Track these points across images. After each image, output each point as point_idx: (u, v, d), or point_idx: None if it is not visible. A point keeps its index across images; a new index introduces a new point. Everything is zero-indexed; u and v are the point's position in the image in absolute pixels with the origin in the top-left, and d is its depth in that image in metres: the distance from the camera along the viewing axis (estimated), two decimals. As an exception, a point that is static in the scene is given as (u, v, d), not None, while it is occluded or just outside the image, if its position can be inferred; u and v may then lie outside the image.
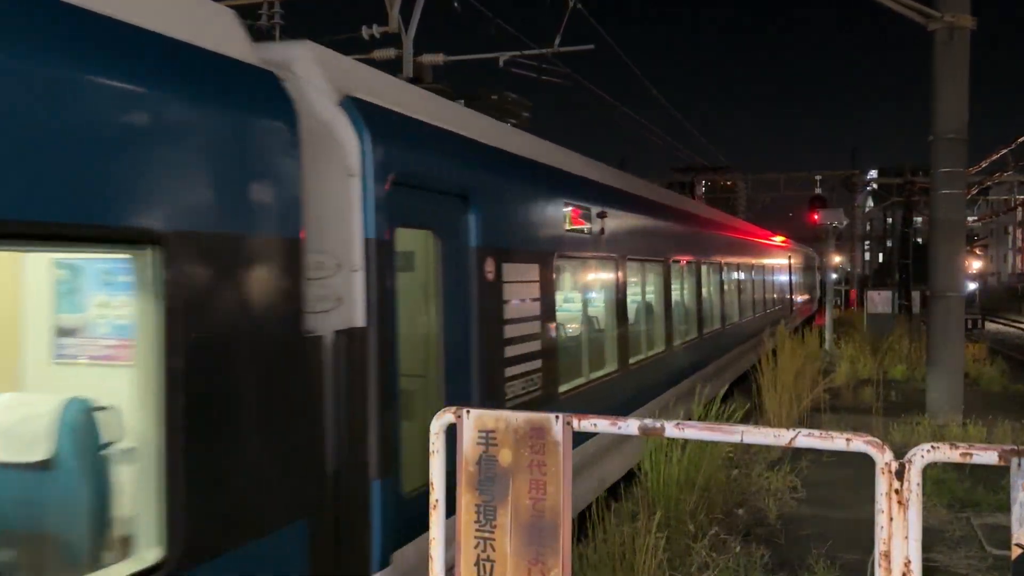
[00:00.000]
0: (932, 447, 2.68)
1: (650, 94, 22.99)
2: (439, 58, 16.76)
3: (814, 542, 6.51)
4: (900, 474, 2.68)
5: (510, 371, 5.66)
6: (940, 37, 11.73)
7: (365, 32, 15.66)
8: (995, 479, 7.88)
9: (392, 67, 14.57)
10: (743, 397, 13.55)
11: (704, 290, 13.42)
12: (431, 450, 3.16)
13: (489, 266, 5.44)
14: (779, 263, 24.60)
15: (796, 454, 9.04)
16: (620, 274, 8.71)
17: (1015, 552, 2.59)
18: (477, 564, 3.06)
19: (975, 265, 60.83)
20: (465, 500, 3.08)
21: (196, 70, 3.35)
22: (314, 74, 4.16)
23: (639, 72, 20.46)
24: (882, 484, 2.70)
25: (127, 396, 3.27)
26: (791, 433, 2.83)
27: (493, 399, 5.38)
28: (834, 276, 27.15)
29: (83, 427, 3.38)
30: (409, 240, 4.75)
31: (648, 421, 3.00)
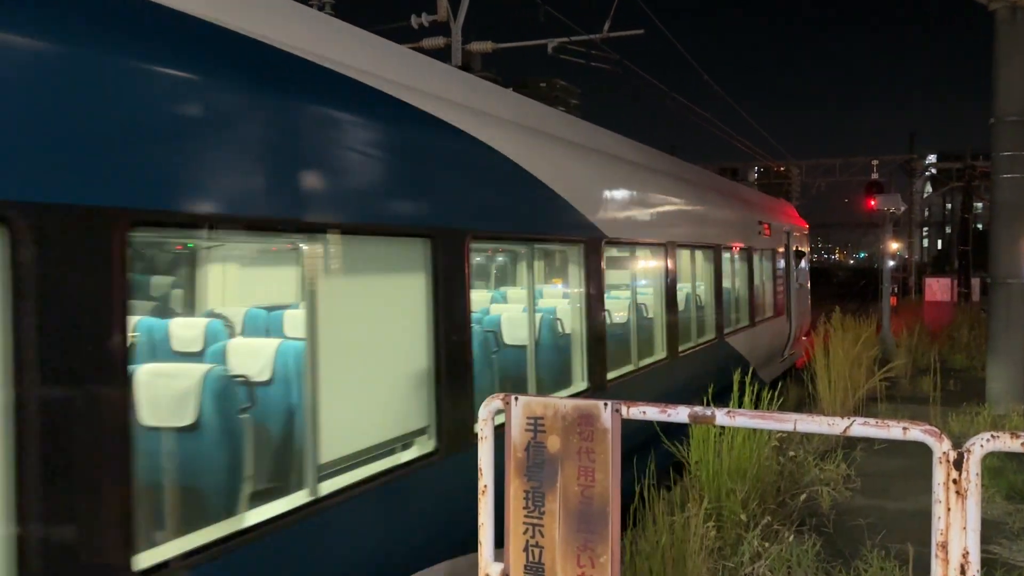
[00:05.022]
0: (992, 436, 2.62)
1: (701, 79, 22.73)
2: (488, 46, 16.81)
3: (868, 532, 6.41)
4: (958, 464, 2.63)
5: None
6: (1001, 16, 11.38)
7: (414, 21, 15.75)
8: (1058, 471, 7.67)
9: (441, 56, 14.66)
10: (796, 386, 13.37)
11: None
12: (479, 436, 3.17)
13: None
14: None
15: (850, 443, 8.88)
16: None
17: (1079, 545, 2.51)
18: (526, 550, 3.07)
19: (1039, 251, 59.00)
20: (514, 486, 3.09)
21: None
22: None
23: (690, 57, 20.22)
24: (940, 474, 2.65)
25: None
26: (846, 421, 2.78)
27: None
28: (891, 263, 25.93)
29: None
30: None
31: (698, 409, 2.98)
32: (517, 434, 3.10)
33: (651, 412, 3.03)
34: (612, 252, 8.85)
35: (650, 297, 9.65)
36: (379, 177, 4.51)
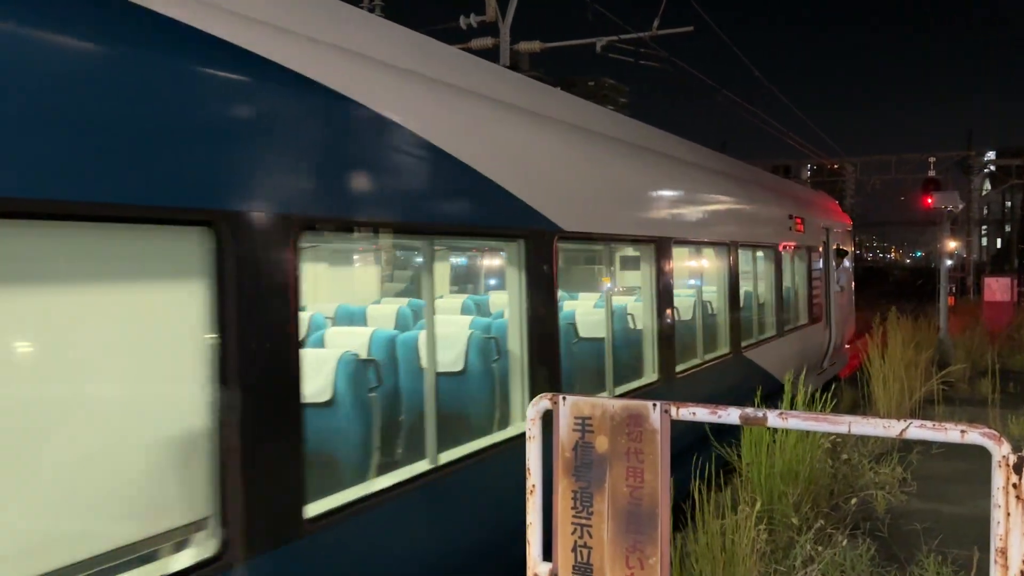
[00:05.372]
0: (1054, 440, 2.55)
1: (752, 76, 22.47)
2: (536, 45, 16.82)
3: (925, 537, 6.28)
4: (1018, 468, 2.56)
5: None
6: (1066, 8, 11.06)
7: (463, 22, 15.84)
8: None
9: (490, 56, 14.73)
10: (851, 388, 13.14)
11: None
12: (527, 436, 3.17)
13: None
14: None
15: (906, 446, 8.71)
16: None
17: None
18: (574, 550, 3.06)
19: (1104, 250, 57.32)
20: (562, 486, 3.09)
21: None
22: None
23: (740, 54, 20.00)
24: (999, 478, 2.58)
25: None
26: (902, 424, 2.73)
27: None
28: (949, 262, 25.09)
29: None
30: None
31: (749, 410, 2.94)
32: (565, 434, 3.10)
33: (701, 413, 3.00)
34: (573, 249, 7.59)
35: (635, 305, 7.99)
36: (92, 131, 2.83)
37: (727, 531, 5.40)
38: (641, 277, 7.60)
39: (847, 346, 16.44)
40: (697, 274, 9.24)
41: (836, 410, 8.70)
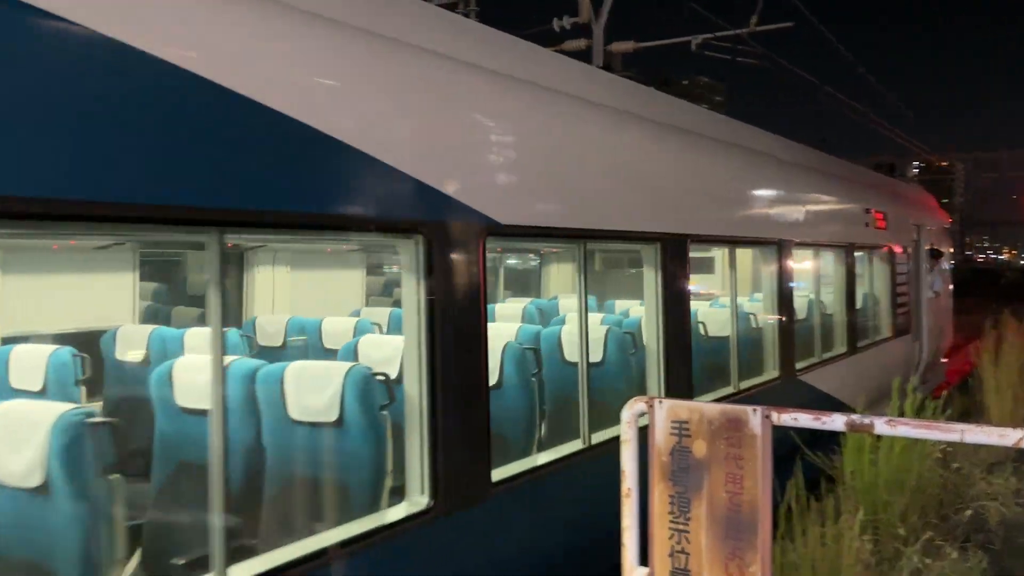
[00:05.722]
0: None
1: (854, 72, 21.84)
2: (630, 46, 16.71)
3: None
4: None
5: None
6: None
7: (556, 24, 15.85)
8: None
9: (583, 57, 14.69)
10: (962, 395, 12.60)
11: None
12: (623, 439, 3.15)
13: None
14: None
15: (1021, 456, 8.31)
16: None
17: None
18: (671, 555, 3.01)
19: None
20: (658, 490, 3.05)
21: None
22: None
23: (843, 49, 19.43)
24: None
25: None
26: (1018, 433, 2.60)
27: None
28: None
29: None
30: None
31: (856, 417, 2.85)
32: (661, 438, 3.06)
33: (803, 419, 2.92)
34: (519, 249, 5.79)
35: (639, 320, 6.48)
36: None
37: (828, 540, 5.25)
38: (645, 285, 5.85)
39: (944, 360, 14.50)
40: (733, 281, 7.37)
41: (948, 418, 8.33)
